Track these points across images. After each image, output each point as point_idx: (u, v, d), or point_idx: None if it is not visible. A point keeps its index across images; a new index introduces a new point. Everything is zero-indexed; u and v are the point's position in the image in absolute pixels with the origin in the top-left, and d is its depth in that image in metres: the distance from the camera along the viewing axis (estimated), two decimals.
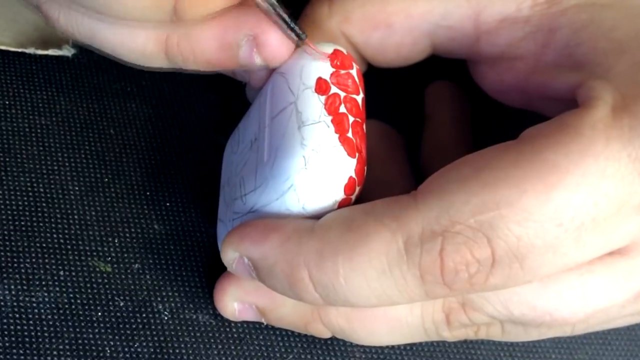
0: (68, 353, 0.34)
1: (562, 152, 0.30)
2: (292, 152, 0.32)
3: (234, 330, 0.37)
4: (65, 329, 0.35)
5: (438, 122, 0.42)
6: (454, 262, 0.31)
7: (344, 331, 0.35)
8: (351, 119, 0.33)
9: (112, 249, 0.38)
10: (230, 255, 0.34)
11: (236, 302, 0.36)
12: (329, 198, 0.33)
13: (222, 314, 0.36)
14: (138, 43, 0.33)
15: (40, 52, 0.40)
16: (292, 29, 0.33)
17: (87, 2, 0.32)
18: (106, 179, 0.39)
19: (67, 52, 0.41)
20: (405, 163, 0.40)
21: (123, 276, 0.37)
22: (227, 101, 0.42)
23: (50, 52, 0.40)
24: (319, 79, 0.34)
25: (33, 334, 0.35)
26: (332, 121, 0.33)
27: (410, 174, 0.39)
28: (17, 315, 0.35)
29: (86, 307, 0.36)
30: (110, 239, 0.38)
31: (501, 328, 0.35)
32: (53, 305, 0.35)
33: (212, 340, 0.37)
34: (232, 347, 0.37)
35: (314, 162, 0.32)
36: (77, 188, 0.38)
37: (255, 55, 0.33)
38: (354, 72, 0.34)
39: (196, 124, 0.42)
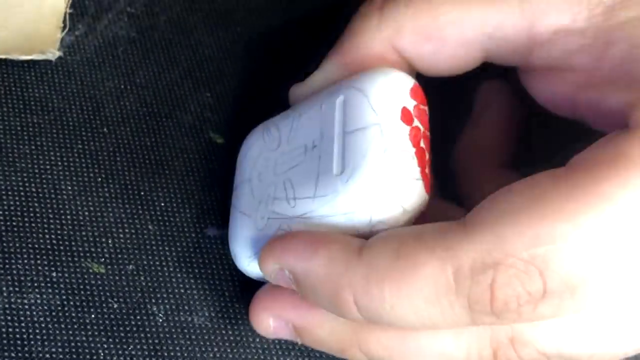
0: (61, 356, 0.34)
1: (618, 183, 0.30)
2: (376, 174, 0.32)
3: (230, 333, 0.37)
4: (57, 332, 0.35)
5: (484, 125, 0.41)
6: (504, 294, 0.30)
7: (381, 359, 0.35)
8: (427, 155, 0.33)
9: (105, 250, 0.37)
10: (271, 266, 0.34)
11: (272, 318, 0.36)
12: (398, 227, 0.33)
13: (256, 329, 0.36)
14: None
15: (23, 57, 0.40)
16: None
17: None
18: (99, 179, 0.39)
19: (51, 56, 0.40)
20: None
21: (117, 277, 0.37)
22: (223, 99, 0.42)
23: (34, 57, 0.40)
24: (404, 109, 0.34)
25: (25, 336, 0.34)
26: (415, 153, 0.33)
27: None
28: (9, 318, 0.34)
29: (79, 309, 0.36)
30: (103, 240, 0.38)
31: None
32: (45, 307, 0.35)
33: (208, 343, 0.37)
34: (229, 351, 0.37)
35: (398, 190, 0.32)
36: (70, 188, 0.38)
37: None
38: (427, 109, 0.34)
39: (192, 123, 0.42)
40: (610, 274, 0.30)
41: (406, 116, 0.34)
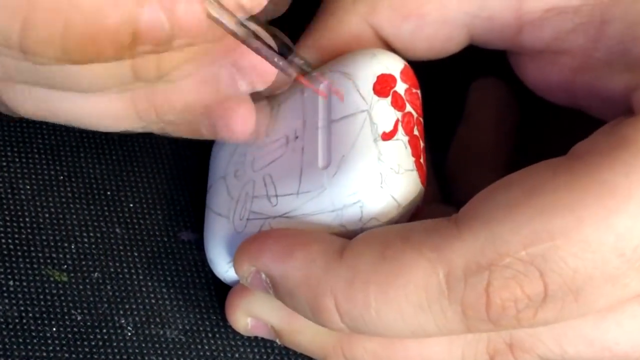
0: None
1: (622, 171, 0.30)
2: (366, 166, 0.32)
3: (207, 348, 0.37)
4: (15, 346, 0.34)
5: (477, 125, 0.41)
6: (501, 298, 0.30)
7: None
8: (421, 144, 0.33)
9: (68, 256, 0.37)
10: (245, 268, 0.33)
11: (250, 317, 0.35)
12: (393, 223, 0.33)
13: (234, 328, 0.35)
14: (104, 109, 0.33)
15: None
16: (286, 58, 0.32)
17: (42, 82, 0.31)
18: (61, 177, 0.39)
19: None
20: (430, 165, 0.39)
21: (81, 286, 0.37)
22: None
23: None
24: (395, 93, 0.33)
25: None
26: (409, 142, 0.32)
27: (433, 178, 0.38)
28: None
29: (39, 322, 0.35)
30: (66, 245, 0.37)
31: None
32: (2, 320, 0.35)
33: (182, 359, 0.36)
34: None
35: (391, 182, 0.32)
36: (28, 187, 0.38)
37: (240, 82, 0.33)
38: (419, 92, 0.34)
39: None
40: (617, 271, 0.30)
41: (397, 101, 0.33)
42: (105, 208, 0.39)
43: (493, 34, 0.37)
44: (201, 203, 0.39)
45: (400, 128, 0.33)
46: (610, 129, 0.31)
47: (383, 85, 0.33)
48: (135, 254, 0.38)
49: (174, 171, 0.40)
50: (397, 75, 0.34)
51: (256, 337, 0.37)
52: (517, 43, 0.37)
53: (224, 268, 0.35)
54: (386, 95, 0.33)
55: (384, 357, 0.34)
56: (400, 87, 0.33)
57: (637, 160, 0.30)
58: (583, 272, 0.30)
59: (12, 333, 0.34)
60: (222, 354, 0.36)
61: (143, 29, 0.29)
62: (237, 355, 0.37)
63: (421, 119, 0.34)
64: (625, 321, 0.33)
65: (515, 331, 0.33)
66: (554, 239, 0.30)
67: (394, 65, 0.34)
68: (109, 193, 0.39)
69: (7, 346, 0.34)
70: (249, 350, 0.37)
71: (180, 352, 0.36)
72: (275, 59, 0.32)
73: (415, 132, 0.33)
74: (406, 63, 0.35)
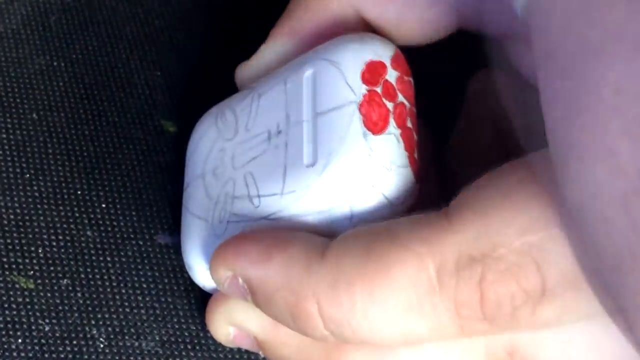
0: None
1: None
2: (357, 163, 0.31)
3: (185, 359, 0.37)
4: None
5: (477, 119, 0.41)
6: (496, 293, 0.29)
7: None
8: (415, 136, 0.32)
9: (35, 261, 0.36)
10: (222, 273, 0.33)
11: (231, 326, 0.34)
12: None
13: (215, 339, 0.35)
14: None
15: None
16: None
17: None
18: (27, 175, 0.38)
19: None
20: (431, 163, 0.38)
21: (49, 294, 0.36)
22: (175, 79, 0.41)
23: None
24: (386, 82, 0.32)
25: None
26: (401, 135, 0.31)
27: (435, 176, 0.38)
28: None
29: (3, 332, 0.34)
30: (32, 249, 0.37)
31: None
32: None
33: None
34: None
35: (383, 181, 0.31)
36: None
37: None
38: (411, 80, 0.33)
39: (138, 107, 0.41)
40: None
41: (388, 91, 0.32)
42: (76, 209, 0.38)
43: (486, 16, 0.37)
44: (180, 204, 0.38)
45: (391, 120, 0.32)
46: None
47: (373, 74, 0.32)
48: (108, 259, 0.37)
49: (150, 169, 0.39)
50: (388, 62, 0.33)
51: (239, 349, 0.36)
52: (512, 25, 0.36)
53: (202, 274, 0.34)
54: (376, 85, 0.32)
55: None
56: (392, 75, 0.32)
57: None
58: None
59: None
60: None
61: None
62: None
63: (414, 109, 0.33)
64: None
65: (516, 338, 0.32)
66: (549, 228, 0.29)
67: (383, 51, 0.33)
68: (79, 193, 0.38)
69: None
70: None
71: None
72: None
73: (409, 124, 0.32)
74: (397, 48, 0.34)
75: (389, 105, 0.32)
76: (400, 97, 0.33)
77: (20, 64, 0.40)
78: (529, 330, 0.31)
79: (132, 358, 0.35)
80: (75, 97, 0.40)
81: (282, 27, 0.37)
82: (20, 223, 0.37)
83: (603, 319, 0.30)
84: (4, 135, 0.38)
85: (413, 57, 0.37)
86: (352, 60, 0.33)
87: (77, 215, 0.37)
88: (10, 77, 0.39)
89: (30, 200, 0.37)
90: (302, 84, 0.33)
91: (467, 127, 0.40)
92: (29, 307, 0.35)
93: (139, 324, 0.36)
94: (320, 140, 0.32)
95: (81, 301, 0.36)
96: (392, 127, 0.32)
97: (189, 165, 0.37)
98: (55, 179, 0.38)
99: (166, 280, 0.37)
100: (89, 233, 0.37)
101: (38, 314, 0.35)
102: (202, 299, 0.37)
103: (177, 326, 0.36)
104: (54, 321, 0.35)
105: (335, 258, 0.31)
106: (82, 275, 0.36)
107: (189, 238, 0.35)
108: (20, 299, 0.35)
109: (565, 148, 0.28)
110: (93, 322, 0.35)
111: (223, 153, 0.35)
